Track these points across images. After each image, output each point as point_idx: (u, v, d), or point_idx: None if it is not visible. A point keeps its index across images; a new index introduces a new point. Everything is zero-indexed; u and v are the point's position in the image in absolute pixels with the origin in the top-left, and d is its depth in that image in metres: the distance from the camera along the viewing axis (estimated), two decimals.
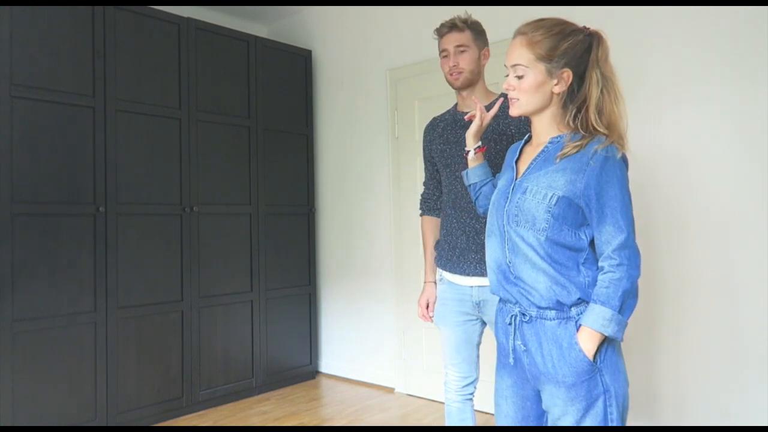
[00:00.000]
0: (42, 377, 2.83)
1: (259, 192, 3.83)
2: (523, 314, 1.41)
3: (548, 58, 1.38)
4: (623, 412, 1.36)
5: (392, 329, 3.82)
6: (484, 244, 1.93)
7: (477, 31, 2.05)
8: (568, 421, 1.36)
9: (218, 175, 3.61)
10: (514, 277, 1.43)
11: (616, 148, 1.35)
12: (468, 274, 1.98)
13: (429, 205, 2.19)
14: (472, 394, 2.10)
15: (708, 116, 2.57)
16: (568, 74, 1.40)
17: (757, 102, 2.44)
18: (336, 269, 4.20)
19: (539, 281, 1.37)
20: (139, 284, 3.21)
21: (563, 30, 1.40)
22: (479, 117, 1.75)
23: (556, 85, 1.41)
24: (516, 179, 1.47)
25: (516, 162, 1.52)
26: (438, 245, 2.13)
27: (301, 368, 4.04)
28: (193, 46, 3.50)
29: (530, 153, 1.50)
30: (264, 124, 3.87)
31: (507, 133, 1.99)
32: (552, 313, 1.37)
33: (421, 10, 3.64)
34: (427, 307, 2.15)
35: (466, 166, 1.85)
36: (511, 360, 1.44)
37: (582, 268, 1.38)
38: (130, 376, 3.14)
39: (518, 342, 1.42)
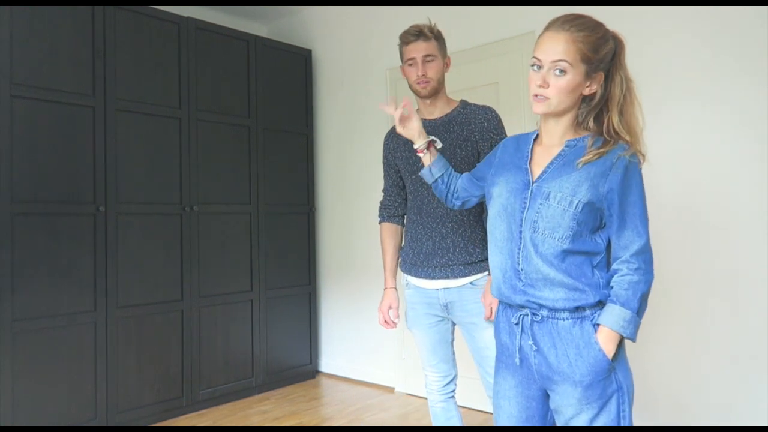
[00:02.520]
0: (42, 377, 2.83)
1: (259, 191, 3.83)
2: (534, 314, 1.38)
3: (590, 60, 1.34)
4: (632, 406, 1.37)
5: (392, 329, 3.82)
6: (449, 247, 1.99)
7: (441, 40, 2.06)
8: (582, 420, 1.34)
9: (218, 175, 3.61)
10: (524, 285, 1.39)
11: (637, 157, 1.36)
12: (433, 278, 2.01)
13: (389, 212, 2.21)
14: (453, 391, 2.12)
15: (713, 114, 2.57)
16: (601, 77, 1.38)
17: (758, 100, 2.44)
18: (336, 269, 4.20)
19: (556, 292, 1.35)
20: (139, 284, 3.21)
21: (605, 34, 1.37)
22: (410, 113, 1.81)
23: (587, 87, 1.38)
24: (533, 182, 1.41)
25: (528, 163, 1.46)
26: (403, 251, 2.16)
27: (301, 368, 4.04)
28: (193, 45, 3.50)
29: (543, 154, 1.45)
30: (264, 123, 3.87)
31: (471, 139, 2.02)
32: (566, 314, 1.35)
33: (421, 10, 3.64)
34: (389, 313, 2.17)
35: (422, 165, 1.84)
36: (517, 360, 1.41)
37: (595, 270, 1.37)
38: (130, 376, 3.14)
39: (528, 342, 1.39)
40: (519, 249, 1.40)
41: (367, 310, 3.97)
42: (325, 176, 4.27)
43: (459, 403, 2.26)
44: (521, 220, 1.40)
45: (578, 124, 1.43)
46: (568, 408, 1.36)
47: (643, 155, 1.38)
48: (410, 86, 2.07)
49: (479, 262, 1.98)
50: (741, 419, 2.47)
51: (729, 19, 2.50)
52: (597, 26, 1.37)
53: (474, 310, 1.96)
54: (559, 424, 1.41)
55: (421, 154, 1.80)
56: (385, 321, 2.16)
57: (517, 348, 1.42)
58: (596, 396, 1.33)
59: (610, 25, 1.41)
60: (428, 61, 1.99)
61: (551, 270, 1.35)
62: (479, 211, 2.01)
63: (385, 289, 2.18)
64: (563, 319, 1.35)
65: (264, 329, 3.81)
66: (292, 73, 4.09)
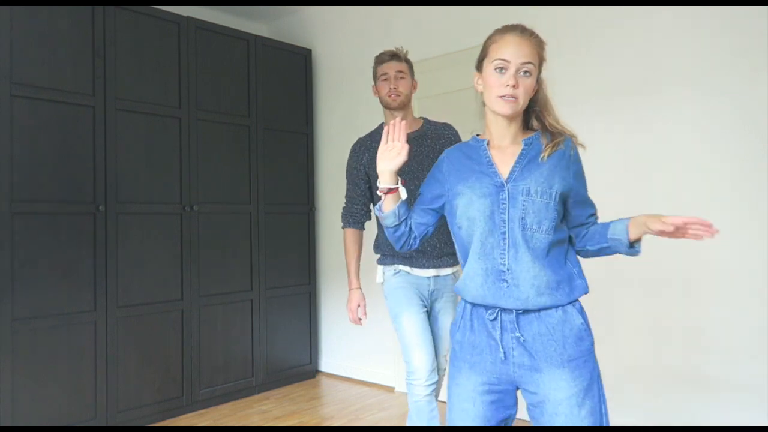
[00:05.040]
0: (42, 377, 2.83)
1: (259, 191, 3.83)
2: (519, 311, 1.41)
3: (541, 63, 1.48)
4: None
5: (392, 328, 3.82)
6: (435, 244, 2.21)
7: (411, 64, 2.36)
8: (571, 404, 1.36)
9: (218, 174, 3.61)
10: (508, 286, 1.41)
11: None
12: (427, 267, 2.26)
13: (355, 218, 2.39)
14: (436, 383, 2.22)
15: (711, 111, 2.57)
16: (541, 80, 1.51)
17: (759, 97, 2.44)
18: (336, 268, 4.20)
19: (542, 291, 1.39)
20: (139, 283, 3.21)
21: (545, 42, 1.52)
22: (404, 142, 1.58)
23: (535, 88, 1.49)
24: (507, 183, 1.44)
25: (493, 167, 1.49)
26: (387, 248, 2.31)
27: (301, 367, 4.04)
28: (192, 45, 3.50)
29: (501, 156, 1.49)
30: (264, 122, 3.87)
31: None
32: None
33: (420, 10, 3.64)
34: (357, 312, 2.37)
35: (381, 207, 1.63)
36: (502, 355, 1.41)
37: (567, 261, 1.46)
38: (130, 376, 3.15)
39: (516, 334, 1.40)
40: (505, 250, 1.42)
41: (367, 308, 3.97)
42: (325, 176, 4.27)
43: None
44: (504, 220, 1.43)
45: (525, 123, 1.54)
46: (558, 392, 1.37)
47: (582, 145, 1.52)
48: (381, 100, 2.32)
49: (455, 254, 2.23)
50: (741, 418, 2.48)
51: (726, 12, 2.50)
52: (537, 32, 1.51)
53: (449, 297, 2.28)
54: (546, 415, 1.39)
55: (382, 194, 1.58)
56: (358, 318, 2.37)
57: (500, 343, 1.42)
58: (584, 375, 1.38)
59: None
60: (400, 78, 2.28)
61: (538, 265, 1.40)
62: None
63: (352, 289, 2.39)
64: (546, 308, 1.41)
65: (264, 329, 3.81)
66: (292, 73, 4.09)
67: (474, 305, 1.49)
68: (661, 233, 1.32)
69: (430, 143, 2.27)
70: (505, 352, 1.42)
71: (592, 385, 1.39)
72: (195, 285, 3.46)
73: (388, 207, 1.59)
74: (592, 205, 1.54)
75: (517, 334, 1.40)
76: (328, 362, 4.24)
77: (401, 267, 2.27)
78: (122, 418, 3.10)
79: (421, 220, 1.64)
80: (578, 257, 1.53)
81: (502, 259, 1.42)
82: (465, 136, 2.03)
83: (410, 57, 2.23)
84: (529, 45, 1.44)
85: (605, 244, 1.47)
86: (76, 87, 3.00)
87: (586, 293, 1.45)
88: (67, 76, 2.97)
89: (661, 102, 2.69)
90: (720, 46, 2.53)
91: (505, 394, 1.46)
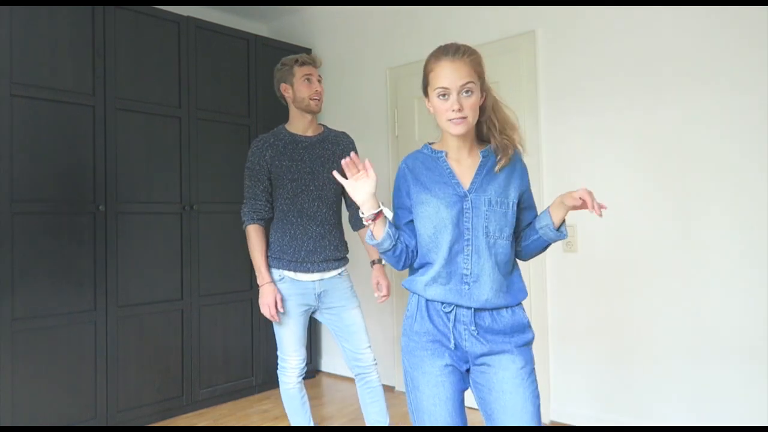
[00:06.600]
0: (42, 377, 2.83)
1: None
2: (477, 308, 1.53)
3: (481, 75, 1.54)
4: None
5: (392, 328, 3.82)
6: (326, 246, 2.39)
7: None
8: (515, 382, 1.50)
9: (218, 174, 3.61)
10: (469, 288, 1.52)
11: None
12: (312, 272, 2.38)
13: (260, 215, 2.44)
14: (304, 371, 2.47)
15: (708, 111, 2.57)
16: (486, 88, 1.58)
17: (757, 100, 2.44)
18: None
19: (499, 293, 1.53)
20: (139, 283, 3.21)
21: (479, 53, 1.58)
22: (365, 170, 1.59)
23: (481, 99, 1.56)
24: (469, 193, 1.54)
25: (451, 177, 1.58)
26: (278, 250, 2.41)
27: None
28: (192, 44, 3.50)
29: (460, 168, 1.59)
30: (264, 122, 3.87)
31: (342, 157, 2.29)
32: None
33: (420, 9, 3.64)
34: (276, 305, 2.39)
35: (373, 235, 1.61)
36: (452, 345, 1.53)
37: (514, 267, 1.61)
38: (130, 375, 3.15)
39: (471, 328, 1.52)
40: (468, 256, 1.53)
41: (367, 308, 3.97)
42: None
43: None
44: (468, 228, 1.53)
45: (478, 133, 1.62)
46: (505, 371, 1.51)
47: (523, 148, 1.64)
48: (301, 101, 2.38)
49: (344, 258, 2.49)
50: (740, 419, 2.48)
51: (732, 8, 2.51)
52: (474, 48, 1.57)
53: (344, 294, 2.43)
54: (494, 392, 1.51)
55: (369, 222, 1.58)
56: (274, 314, 2.35)
57: (452, 333, 1.53)
58: (525, 361, 1.54)
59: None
60: (319, 82, 2.42)
61: (496, 269, 1.54)
62: (341, 215, 2.48)
63: (267, 283, 2.39)
64: (499, 308, 1.56)
65: (264, 328, 3.80)
66: None
67: (428, 300, 1.58)
68: (574, 207, 1.50)
69: (330, 147, 2.43)
70: (456, 342, 1.53)
71: (532, 370, 1.54)
72: (195, 285, 3.46)
73: (379, 233, 1.59)
74: (536, 208, 1.67)
75: (473, 329, 1.52)
76: (328, 362, 4.24)
77: (286, 273, 2.39)
78: (122, 418, 3.10)
79: (411, 234, 1.66)
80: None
81: (465, 264, 1.53)
82: None
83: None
84: (464, 65, 1.50)
85: (535, 236, 1.60)
86: (76, 87, 3.00)
87: (526, 297, 1.60)
88: (67, 76, 2.97)
89: (674, 98, 2.69)
90: (731, 40, 2.54)
91: (463, 374, 1.58)
